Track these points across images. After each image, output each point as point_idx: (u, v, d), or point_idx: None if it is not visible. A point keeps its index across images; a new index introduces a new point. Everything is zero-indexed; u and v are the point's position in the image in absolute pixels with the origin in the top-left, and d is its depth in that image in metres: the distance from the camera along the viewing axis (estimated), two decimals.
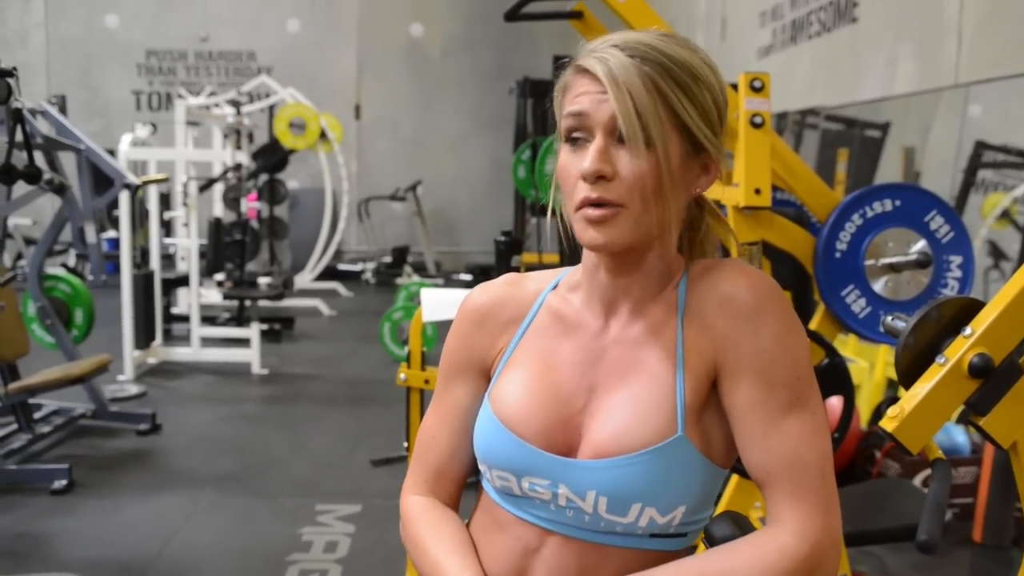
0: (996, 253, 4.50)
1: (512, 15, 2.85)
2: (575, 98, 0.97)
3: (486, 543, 1.06)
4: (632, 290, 1.02)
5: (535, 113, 7.74)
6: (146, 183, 5.18)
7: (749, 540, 0.96)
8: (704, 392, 0.98)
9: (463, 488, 1.14)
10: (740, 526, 1.05)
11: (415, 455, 1.15)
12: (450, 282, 9.61)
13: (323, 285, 9.30)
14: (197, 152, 7.24)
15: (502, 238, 2.80)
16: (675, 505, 0.96)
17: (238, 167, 7.20)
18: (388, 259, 10.43)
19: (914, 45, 5.04)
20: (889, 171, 5.48)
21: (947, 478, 1.53)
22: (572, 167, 0.97)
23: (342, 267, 10.27)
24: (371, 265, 10.33)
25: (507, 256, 2.78)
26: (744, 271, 1.00)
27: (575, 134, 0.97)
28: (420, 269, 10.29)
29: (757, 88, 2.41)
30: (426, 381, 2.87)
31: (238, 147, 7.07)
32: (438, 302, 2.80)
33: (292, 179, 10.30)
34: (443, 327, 4.75)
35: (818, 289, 2.46)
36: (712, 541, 1.05)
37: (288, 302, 7.96)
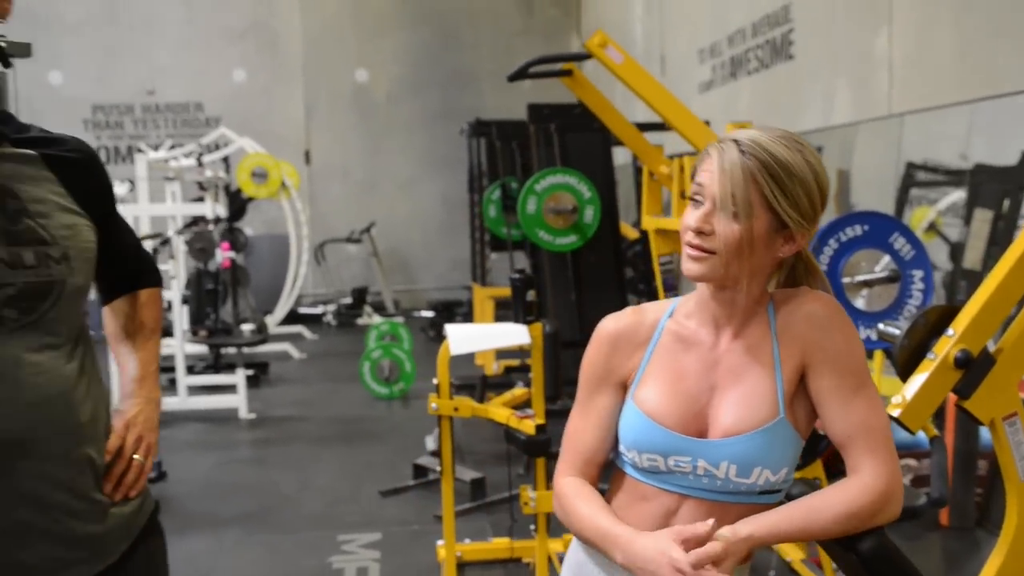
0: None
1: (515, 78, 3.19)
2: (701, 171, 1.33)
3: (630, 514, 1.38)
4: (734, 314, 1.38)
5: (488, 153, 8.08)
6: (143, 239, 5.36)
7: (839, 483, 1.33)
8: (795, 384, 1.35)
9: (602, 471, 1.46)
10: (811, 485, 1.42)
11: (565, 447, 1.47)
12: (410, 319, 9.85)
13: (288, 329, 9.47)
14: (186, 207, 7.39)
15: (516, 276, 3.11)
16: (780, 467, 1.33)
17: (204, 219, 7.38)
18: (348, 300, 10.64)
19: (849, 79, 5.52)
20: None
21: (943, 450, 1.92)
22: (688, 218, 1.34)
23: (303, 310, 10.44)
24: (331, 307, 10.53)
25: (523, 292, 3.08)
26: (818, 296, 1.38)
27: (696, 196, 1.33)
28: (379, 308, 10.52)
29: None
30: (455, 409, 3.15)
31: (216, 199, 7.25)
32: (463, 336, 3.09)
33: (247, 226, 10.46)
34: (424, 365, 4.83)
35: None
36: (791, 498, 1.38)
37: (259, 348, 8.11)
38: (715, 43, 7.59)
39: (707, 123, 5.26)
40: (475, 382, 5.81)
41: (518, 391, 3.57)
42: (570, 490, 1.42)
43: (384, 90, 11.71)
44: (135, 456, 1.32)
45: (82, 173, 1.31)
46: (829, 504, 1.30)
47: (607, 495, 1.45)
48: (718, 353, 1.38)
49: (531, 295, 3.11)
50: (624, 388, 1.42)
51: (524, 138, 5.84)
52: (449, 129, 10.70)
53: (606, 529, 1.34)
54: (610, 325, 1.45)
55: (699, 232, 1.31)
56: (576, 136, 4.89)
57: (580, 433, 1.44)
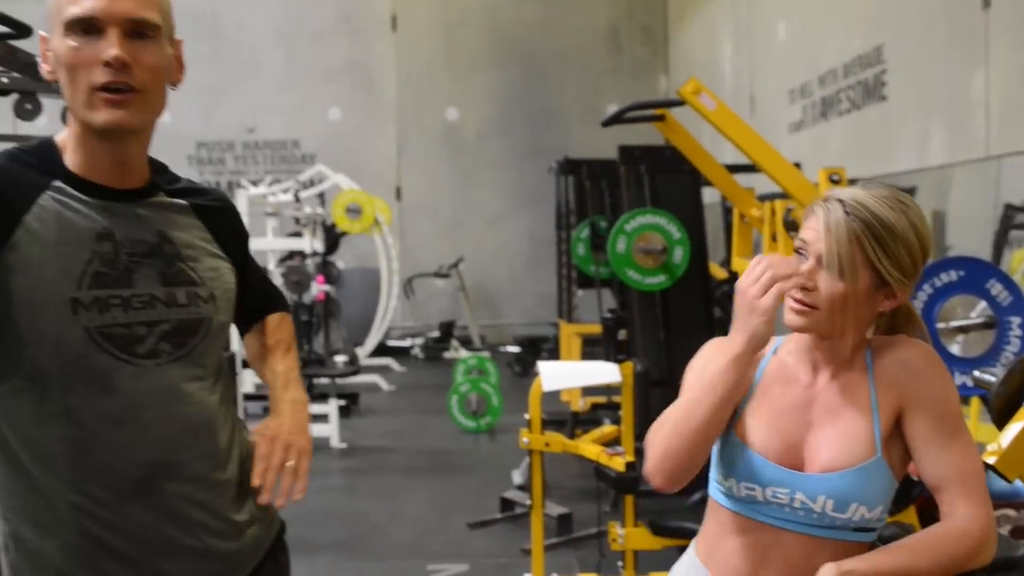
0: None
1: (609, 123, 3.29)
2: (806, 228, 1.41)
3: (724, 546, 1.44)
4: (833, 359, 1.44)
5: (577, 191, 8.18)
6: None
7: (936, 527, 1.36)
8: (891, 427, 1.40)
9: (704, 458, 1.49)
10: (903, 528, 1.46)
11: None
12: (496, 354, 9.97)
13: (377, 361, 9.68)
14: (284, 241, 7.66)
15: (608, 315, 3.18)
16: (876, 505, 1.38)
17: (300, 253, 7.66)
18: (435, 334, 10.83)
19: (944, 120, 5.46)
20: None
21: None
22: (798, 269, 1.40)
23: (391, 343, 10.66)
24: (419, 340, 10.73)
25: (614, 331, 3.15)
26: (915, 343, 1.44)
27: (800, 251, 1.41)
28: (466, 343, 10.68)
29: (835, 180, 2.81)
30: (546, 444, 3.23)
31: (313, 234, 7.52)
32: (555, 373, 3.17)
33: (340, 260, 10.77)
34: (510, 399, 4.90)
35: None
36: (884, 541, 1.42)
37: (349, 379, 8.32)
38: (806, 83, 7.58)
39: (798, 165, 5.28)
40: (562, 418, 5.87)
41: (607, 428, 3.62)
42: (653, 429, 1.44)
43: (474, 128, 11.97)
44: (288, 463, 1.41)
45: (224, 220, 1.44)
46: (927, 546, 1.33)
47: (702, 529, 1.50)
48: (815, 392, 1.43)
49: (622, 334, 3.18)
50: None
51: (613, 177, 5.92)
52: (536, 166, 10.88)
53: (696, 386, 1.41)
54: (720, 339, 1.51)
55: (803, 288, 1.38)
56: (666, 177, 4.95)
57: None
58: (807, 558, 1.38)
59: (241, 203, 8.07)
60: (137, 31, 1.23)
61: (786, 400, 1.44)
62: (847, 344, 1.42)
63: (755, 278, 1.36)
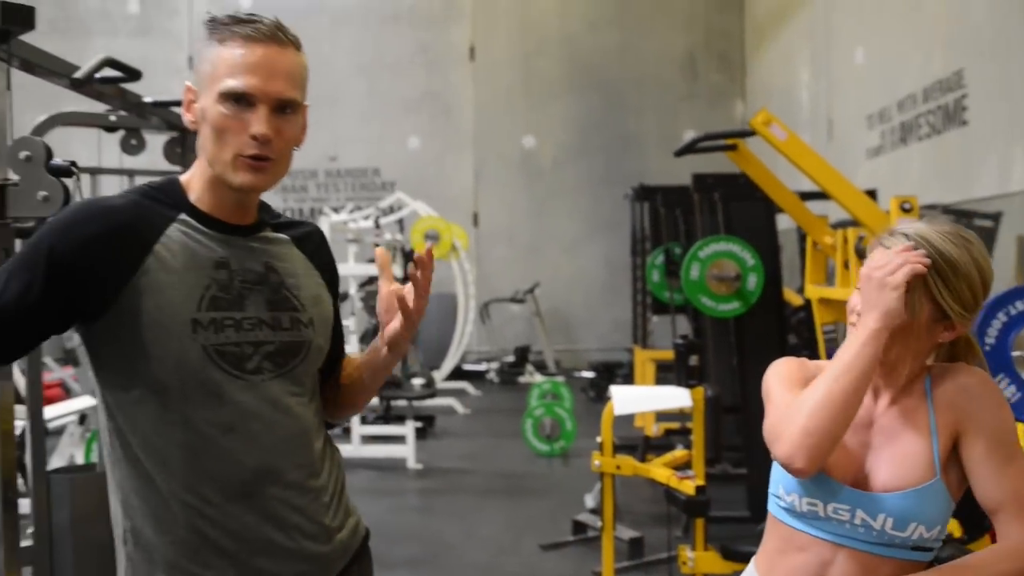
0: None
1: (681, 153, 3.36)
2: (870, 261, 1.47)
3: (784, 562, 1.50)
4: (891, 384, 1.51)
5: (652, 217, 8.22)
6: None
7: (993, 547, 1.41)
8: (949, 451, 1.45)
9: None
10: (959, 549, 1.51)
11: (784, 419, 1.46)
12: (571, 379, 10.02)
13: (453, 384, 9.83)
14: (364, 267, 7.87)
15: (680, 341, 3.24)
16: (934, 525, 1.42)
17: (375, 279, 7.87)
18: (510, 358, 10.94)
19: None
20: (1002, 259, 5.72)
21: None
22: (854, 302, 1.48)
23: (467, 367, 10.80)
24: (494, 365, 10.85)
25: (686, 356, 3.21)
26: (973, 370, 1.49)
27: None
28: (541, 367, 10.76)
29: (907, 209, 2.83)
30: (617, 467, 3.29)
31: (393, 260, 7.73)
32: (627, 398, 3.24)
33: None
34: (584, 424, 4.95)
35: None
36: (940, 562, 1.46)
37: (425, 401, 8.48)
38: (884, 108, 7.51)
39: (872, 192, 5.25)
40: (635, 442, 5.90)
41: (679, 453, 3.66)
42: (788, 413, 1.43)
43: (550, 155, 12.11)
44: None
45: (320, 251, 1.57)
46: (985, 564, 1.38)
47: (761, 545, 1.56)
48: (874, 415, 1.50)
49: (694, 360, 3.23)
50: None
51: (688, 204, 5.96)
52: (613, 193, 10.95)
53: (830, 368, 1.41)
54: (789, 358, 1.58)
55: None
56: (740, 204, 4.97)
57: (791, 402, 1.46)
58: (866, 575, 1.43)
59: (323, 230, 8.33)
60: (282, 107, 1.39)
61: None
62: (905, 371, 1.48)
63: (881, 264, 1.40)
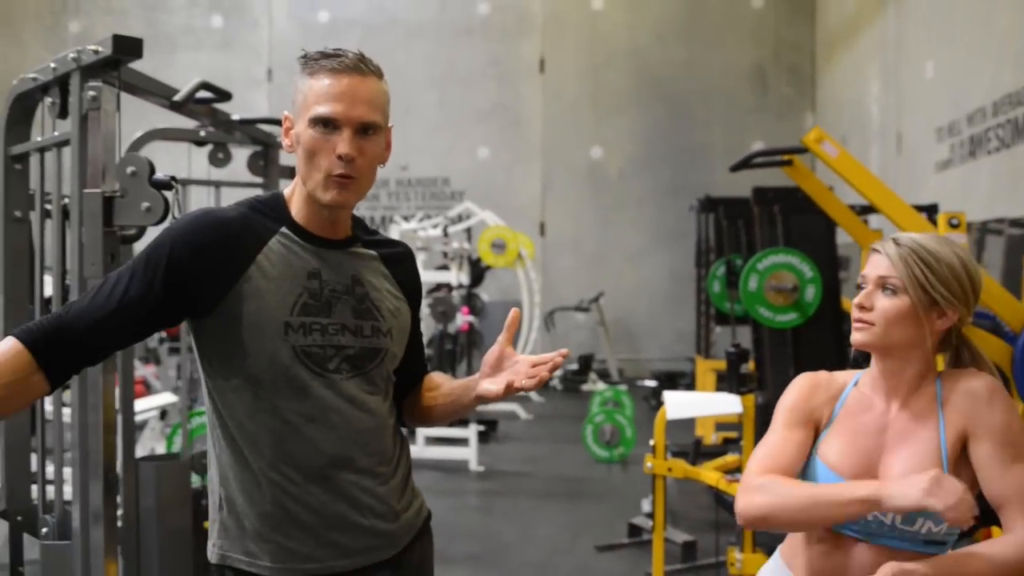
0: None
1: (737, 168, 3.47)
2: (867, 264, 1.64)
3: (807, 551, 1.64)
4: (900, 386, 1.64)
5: (716, 229, 8.27)
6: None
7: (998, 539, 1.52)
8: (958, 450, 1.57)
9: None
10: (970, 542, 1.62)
11: (761, 456, 1.64)
12: (634, 388, 10.12)
13: None
14: (432, 274, 8.10)
15: (732, 349, 3.36)
16: (941, 520, 1.52)
17: (447, 285, 8.09)
18: (574, 366, 11.08)
19: None
20: None
21: None
22: (854, 299, 1.62)
23: None
24: (558, 372, 10.98)
25: (737, 364, 3.32)
26: (980, 374, 1.61)
27: (861, 284, 1.63)
28: (604, 376, 10.88)
29: (954, 225, 2.91)
30: (669, 469, 3.42)
31: (459, 268, 7.95)
32: (679, 402, 3.37)
33: (484, 292, 11.20)
34: (645, 432, 5.10)
35: (1017, 389, 2.89)
36: None
37: (489, 406, 8.67)
38: (954, 122, 7.47)
39: (934, 207, 5.26)
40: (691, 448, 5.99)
41: (730, 458, 3.77)
42: (766, 481, 1.57)
43: (617, 166, 12.23)
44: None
45: (406, 268, 1.75)
46: (990, 554, 1.49)
47: (787, 537, 1.70)
48: (888, 419, 1.63)
49: (746, 367, 3.34)
50: (815, 432, 1.65)
51: (750, 216, 6.03)
52: (678, 204, 11.02)
53: (819, 489, 1.52)
54: (809, 375, 1.72)
55: (861, 307, 1.61)
56: (799, 218, 5.05)
57: (779, 450, 1.62)
58: (881, 563, 1.54)
59: (394, 237, 8.60)
60: (364, 130, 1.56)
61: (864, 425, 1.63)
62: (911, 369, 1.61)
63: (959, 493, 1.39)
